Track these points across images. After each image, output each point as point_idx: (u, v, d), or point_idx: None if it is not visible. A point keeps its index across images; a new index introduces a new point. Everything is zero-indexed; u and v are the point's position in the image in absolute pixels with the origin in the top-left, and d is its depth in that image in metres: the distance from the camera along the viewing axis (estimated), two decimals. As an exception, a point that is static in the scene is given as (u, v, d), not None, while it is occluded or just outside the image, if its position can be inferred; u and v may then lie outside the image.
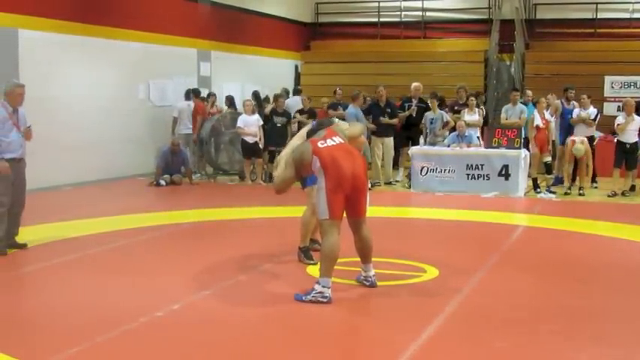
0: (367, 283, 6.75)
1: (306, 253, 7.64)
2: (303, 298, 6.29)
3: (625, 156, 12.88)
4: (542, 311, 6.21)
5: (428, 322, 5.73)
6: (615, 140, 12.92)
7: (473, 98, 14.47)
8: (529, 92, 14.89)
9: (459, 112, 14.64)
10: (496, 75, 19.91)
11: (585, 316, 6.12)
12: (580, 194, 12.99)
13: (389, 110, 14.33)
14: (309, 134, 6.88)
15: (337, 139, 6.53)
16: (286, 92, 16.85)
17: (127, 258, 8.10)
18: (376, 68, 19.73)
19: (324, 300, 6.24)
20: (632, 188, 13.32)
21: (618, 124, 12.92)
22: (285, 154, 6.91)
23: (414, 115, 14.53)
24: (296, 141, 7.17)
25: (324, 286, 6.27)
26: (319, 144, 6.46)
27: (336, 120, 7.26)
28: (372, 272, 6.76)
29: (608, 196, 12.74)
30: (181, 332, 5.55)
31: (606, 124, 13.57)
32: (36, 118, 12.62)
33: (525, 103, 14.37)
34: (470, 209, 11.54)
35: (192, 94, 15.63)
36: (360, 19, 22.16)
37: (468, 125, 13.91)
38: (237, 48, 18.51)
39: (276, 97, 15.36)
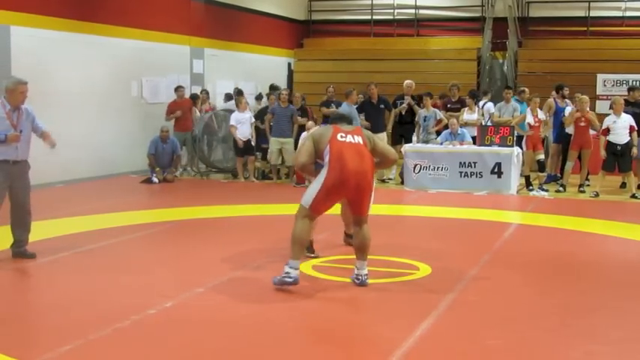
0: (357, 282, 6.76)
1: (308, 247, 7.69)
2: (274, 281, 6.57)
3: (616, 159, 12.69)
4: (535, 308, 6.23)
5: (421, 320, 5.73)
6: (605, 141, 12.69)
7: (469, 97, 14.47)
8: (526, 90, 14.83)
9: (451, 110, 14.66)
10: (489, 73, 19.94)
11: (577, 312, 6.14)
12: (580, 191, 13.01)
13: (382, 106, 14.35)
14: (331, 121, 6.99)
15: (357, 139, 6.62)
16: (274, 88, 16.84)
17: (119, 256, 8.08)
18: (369, 66, 19.73)
19: (290, 280, 6.48)
20: (623, 185, 13.35)
21: (565, 117, 13.21)
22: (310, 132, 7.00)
23: (403, 113, 14.55)
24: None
25: (290, 267, 6.52)
26: (339, 136, 6.58)
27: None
28: (365, 271, 6.77)
29: (591, 196, 12.63)
30: (174, 330, 5.54)
31: (599, 122, 13.55)
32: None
33: (521, 101, 14.33)
34: (463, 207, 11.55)
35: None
36: (353, 16, 22.15)
37: (467, 124, 13.93)
38: (230, 45, 18.50)
39: (269, 95, 15.34)
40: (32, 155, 8.01)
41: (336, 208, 7.47)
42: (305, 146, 6.76)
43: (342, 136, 6.57)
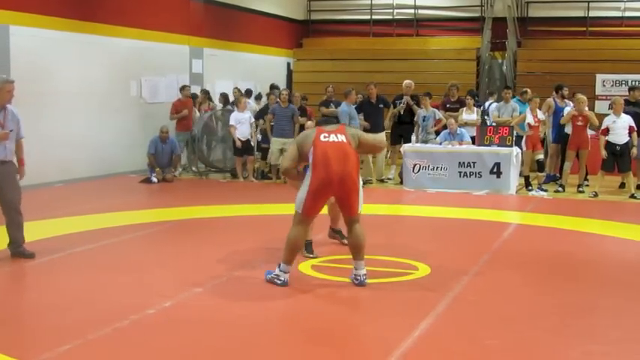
0: (356, 282, 6.76)
1: (307, 247, 7.82)
2: (266, 276, 6.74)
3: (615, 159, 12.63)
4: (534, 308, 6.23)
5: (420, 320, 5.73)
6: (605, 141, 12.65)
7: (469, 97, 14.46)
8: (529, 91, 14.79)
9: (451, 110, 14.65)
10: (488, 73, 19.94)
11: (576, 312, 6.15)
12: (579, 191, 13.02)
13: (381, 106, 14.36)
14: (320, 123, 7.10)
15: (340, 137, 6.68)
16: (274, 87, 16.85)
17: (118, 255, 8.08)
18: (368, 66, 19.73)
19: (279, 282, 6.63)
20: (622, 186, 13.35)
21: (562, 115, 13.28)
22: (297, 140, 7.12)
23: (401, 113, 14.56)
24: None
25: (281, 271, 6.67)
26: (322, 136, 6.66)
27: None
28: (363, 271, 6.77)
29: (590, 197, 12.61)
30: (173, 330, 5.54)
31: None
32: (27, 114, 12.62)
33: (523, 102, 14.33)
34: (462, 207, 11.55)
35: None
36: (352, 16, 22.16)
37: (466, 124, 13.92)
38: (229, 45, 18.50)
39: (268, 94, 15.34)
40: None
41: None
42: (289, 151, 6.96)
43: (325, 137, 6.66)
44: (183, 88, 15.49)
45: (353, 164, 6.61)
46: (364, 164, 14.12)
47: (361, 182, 6.88)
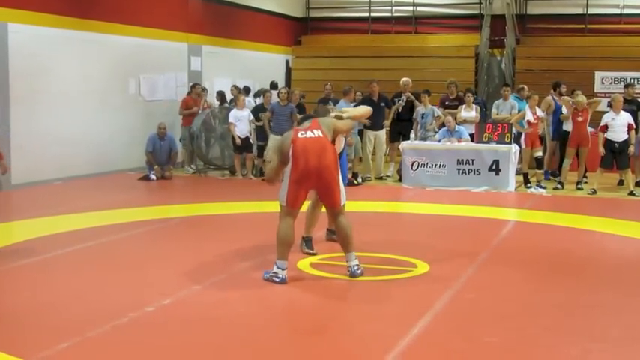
0: (348, 273, 6.82)
1: (307, 243, 7.90)
2: (264, 275, 6.75)
3: (614, 156, 12.66)
4: (533, 306, 6.23)
5: (418, 317, 5.73)
6: (604, 138, 12.68)
7: (470, 94, 14.43)
8: (526, 88, 14.78)
9: (449, 107, 14.64)
10: (487, 70, 19.93)
11: (575, 310, 6.15)
12: (578, 188, 13.02)
13: (382, 104, 14.35)
14: (300, 122, 7.30)
15: (317, 132, 6.85)
16: (273, 86, 16.85)
17: (117, 253, 8.07)
18: (367, 63, 19.69)
19: (277, 280, 6.65)
20: (621, 183, 13.37)
21: (561, 114, 13.35)
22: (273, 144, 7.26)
23: (400, 110, 14.55)
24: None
25: (278, 268, 6.71)
26: (299, 134, 6.83)
27: (333, 113, 7.45)
28: (355, 262, 6.84)
29: (589, 194, 12.63)
30: (172, 327, 5.54)
31: (597, 120, 13.59)
32: (25, 112, 12.67)
33: (521, 99, 14.33)
34: (460, 204, 11.55)
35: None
36: (351, 13, 22.13)
37: (465, 122, 13.91)
38: (228, 43, 18.47)
39: (264, 93, 15.34)
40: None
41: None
42: (271, 163, 7.13)
43: (302, 134, 6.82)
44: (194, 86, 15.71)
45: (331, 157, 6.78)
46: (363, 162, 14.15)
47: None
